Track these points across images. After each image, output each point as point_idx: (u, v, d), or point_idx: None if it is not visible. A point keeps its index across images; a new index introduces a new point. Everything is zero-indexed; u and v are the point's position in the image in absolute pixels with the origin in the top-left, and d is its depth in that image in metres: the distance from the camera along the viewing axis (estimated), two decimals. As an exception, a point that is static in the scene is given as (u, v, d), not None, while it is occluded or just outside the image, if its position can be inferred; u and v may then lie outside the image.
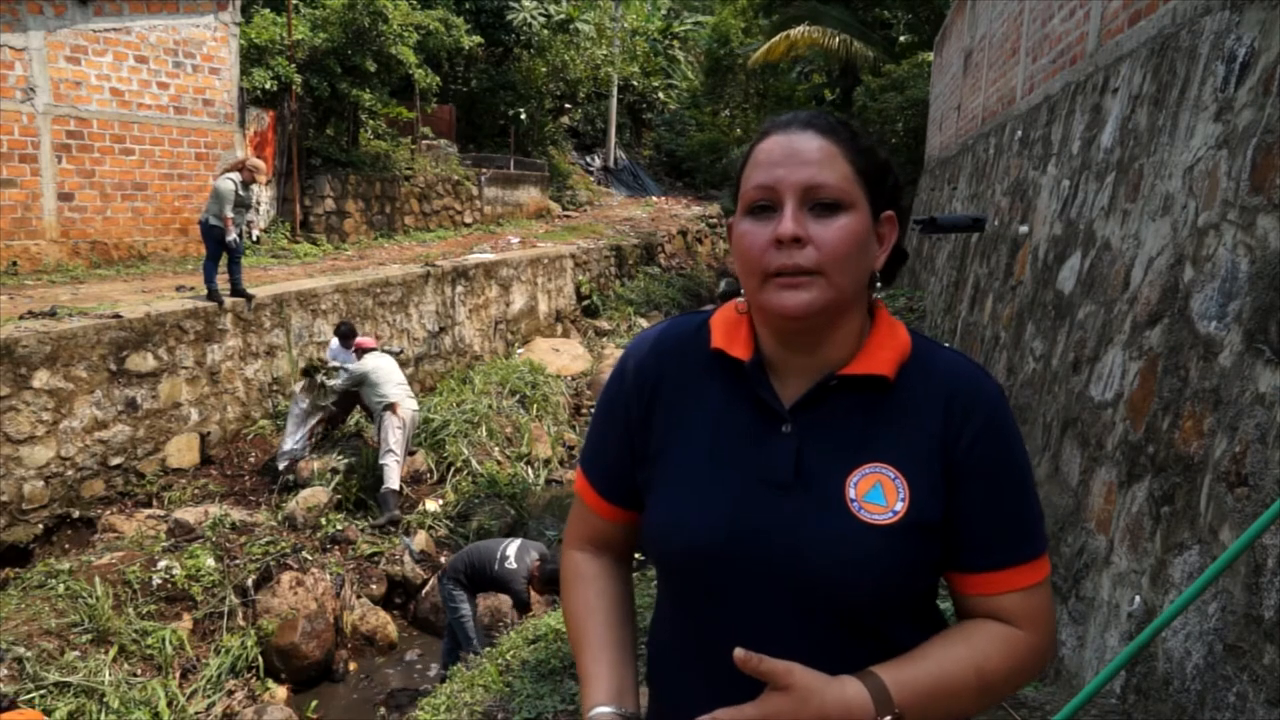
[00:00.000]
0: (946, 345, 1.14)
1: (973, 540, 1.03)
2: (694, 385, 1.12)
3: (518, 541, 6.08)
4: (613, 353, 14.16)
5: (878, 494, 1.01)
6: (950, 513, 1.02)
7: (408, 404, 8.18)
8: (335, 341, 8.86)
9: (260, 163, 8.44)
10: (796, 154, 1.01)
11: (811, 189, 1.00)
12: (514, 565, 5.76)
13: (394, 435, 7.95)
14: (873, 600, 1.01)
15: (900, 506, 1.01)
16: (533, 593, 5.91)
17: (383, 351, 8.71)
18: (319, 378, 8.45)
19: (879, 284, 1.09)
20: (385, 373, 8.11)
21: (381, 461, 7.92)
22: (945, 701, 0.98)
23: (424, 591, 7.34)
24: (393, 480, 7.90)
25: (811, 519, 1.01)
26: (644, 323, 15.67)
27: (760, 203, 1.02)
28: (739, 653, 0.92)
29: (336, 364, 8.53)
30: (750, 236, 1.02)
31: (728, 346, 1.09)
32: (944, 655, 1.00)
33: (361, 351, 8.30)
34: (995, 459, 1.03)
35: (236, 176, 8.00)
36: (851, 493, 1.02)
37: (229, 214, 7.91)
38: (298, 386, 8.53)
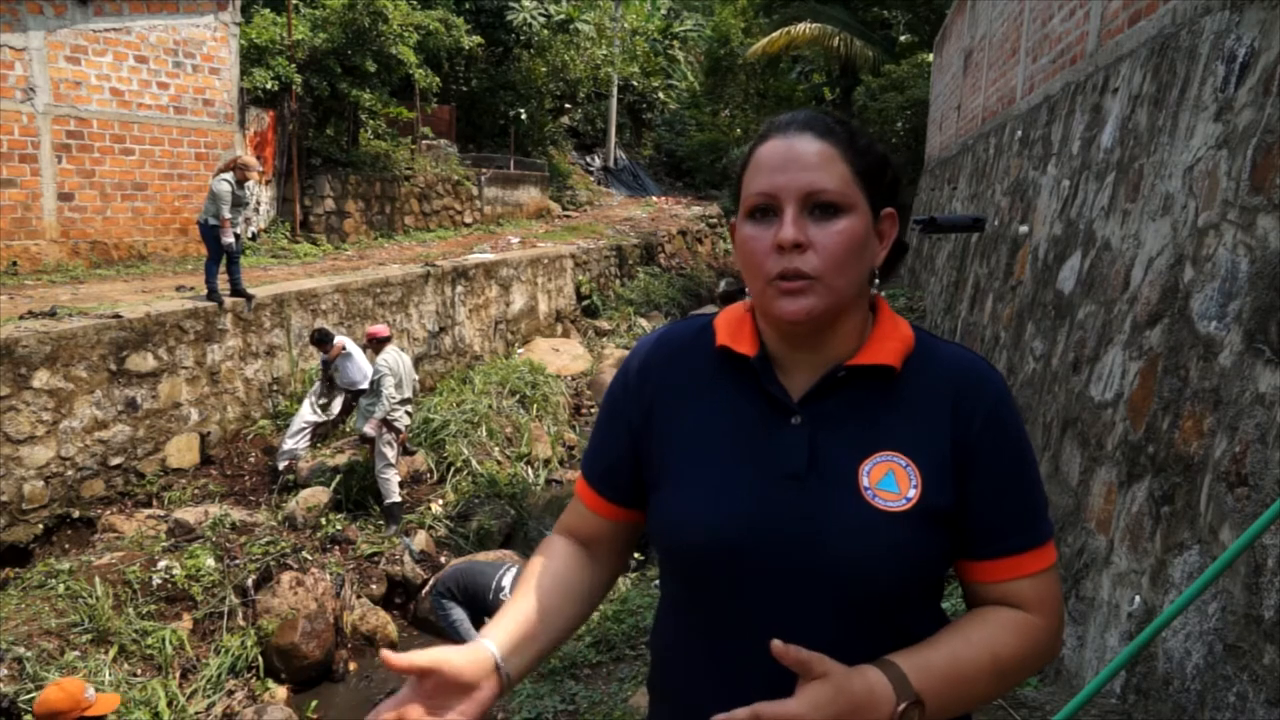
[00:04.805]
0: (948, 340, 1.15)
1: (983, 528, 1.04)
2: (699, 384, 1.12)
3: (514, 569, 5.86)
4: (613, 353, 14.16)
5: (890, 481, 1.02)
6: (960, 502, 1.04)
7: (404, 421, 8.18)
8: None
9: (253, 160, 8.43)
10: (796, 159, 1.02)
11: (811, 194, 1.01)
12: (509, 597, 5.60)
13: (391, 451, 7.96)
14: (890, 587, 1.02)
15: (913, 493, 1.02)
16: None
17: None
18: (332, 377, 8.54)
19: (878, 281, 1.10)
20: (403, 379, 8.06)
21: (383, 476, 7.90)
22: (963, 687, 0.99)
23: (424, 591, 7.34)
24: (393, 494, 7.92)
25: (828, 508, 1.02)
26: (644, 323, 15.66)
27: (761, 207, 1.03)
28: (777, 644, 0.91)
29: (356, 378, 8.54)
30: (753, 241, 1.03)
31: (733, 343, 1.10)
32: (960, 641, 1.01)
33: (378, 342, 8.10)
34: (1002, 448, 1.05)
35: (231, 177, 7.99)
36: (865, 480, 1.02)
37: (226, 215, 7.91)
38: (310, 396, 8.56)
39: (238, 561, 6.58)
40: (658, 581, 1.34)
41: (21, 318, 7.00)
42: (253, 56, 12.43)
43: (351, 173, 14.02)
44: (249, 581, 6.44)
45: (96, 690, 4.02)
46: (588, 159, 26.46)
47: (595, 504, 1.21)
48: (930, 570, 1.05)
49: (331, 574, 6.92)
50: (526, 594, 1.14)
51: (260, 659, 6.15)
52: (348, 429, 8.87)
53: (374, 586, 7.26)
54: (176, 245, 11.24)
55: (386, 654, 0.97)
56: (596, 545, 1.22)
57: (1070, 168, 4.40)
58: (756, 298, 1.06)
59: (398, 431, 8.08)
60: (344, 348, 8.51)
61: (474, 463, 9.11)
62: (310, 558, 6.87)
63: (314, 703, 6.14)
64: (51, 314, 7.20)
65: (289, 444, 8.28)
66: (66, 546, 6.81)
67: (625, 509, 1.19)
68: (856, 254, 1.02)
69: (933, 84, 13.97)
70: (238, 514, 7.34)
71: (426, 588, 7.34)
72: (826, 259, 1.00)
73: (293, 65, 12.72)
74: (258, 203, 12.50)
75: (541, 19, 19.26)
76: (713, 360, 1.12)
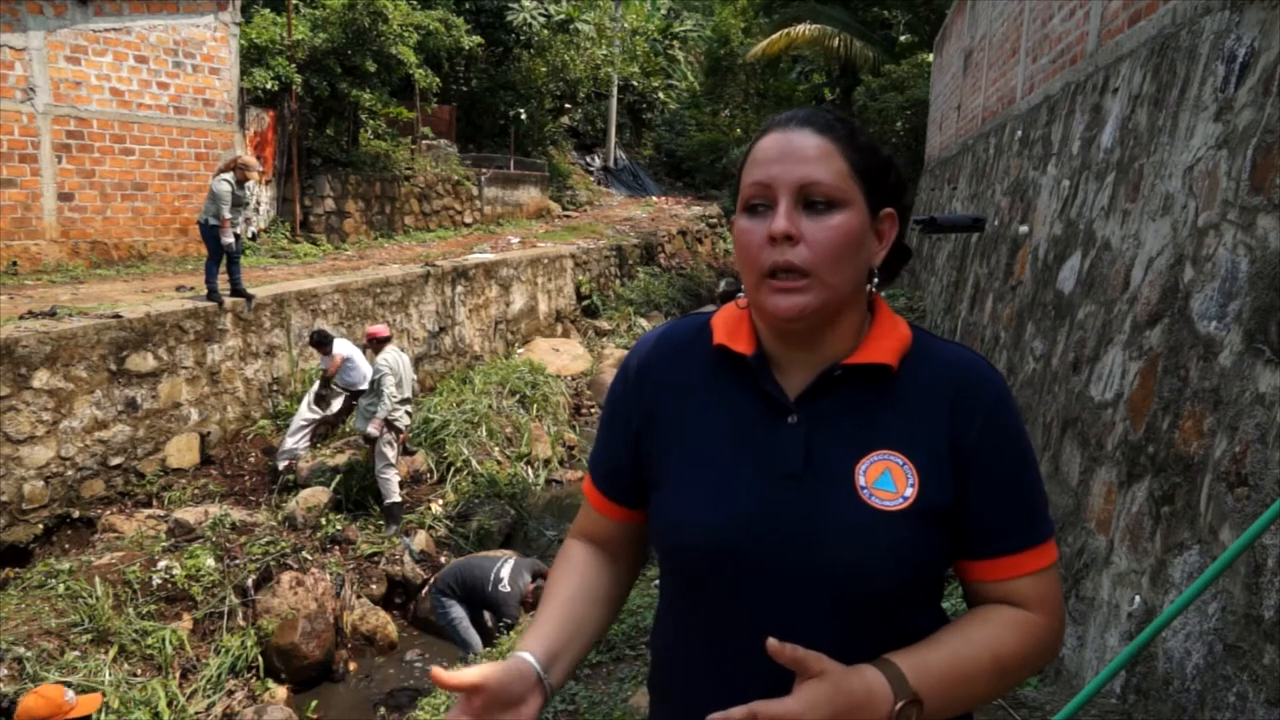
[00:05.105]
0: (948, 340, 1.14)
1: (983, 527, 1.04)
2: (698, 383, 1.12)
3: (511, 562, 5.91)
4: (613, 353, 14.16)
5: (887, 480, 1.02)
6: (960, 501, 1.03)
7: (405, 421, 8.17)
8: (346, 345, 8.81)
9: (252, 160, 8.44)
10: (792, 152, 1.02)
11: (805, 186, 1.01)
12: (508, 589, 5.64)
13: (391, 451, 7.95)
14: (889, 587, 1.01)
15: (910, 493, 1.01)
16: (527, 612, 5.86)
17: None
18: (332, 387, 8.53)
19: (876, 280, 1.10)
20: (403, 379, 8.05)
21: (384, 476, 7.89)
22: (963, 686, 0.99)
23: (424, 591, 7.34)
24: (393, 494, 7.91)
25: (824, 507, 1.01)
26: (644, 323, 15.66)
27: (757, 200, 1.03)
28: (772, 642, 0.90)
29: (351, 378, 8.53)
30: (747, 234, 1.03)
31: (730, 342, 1.10)
32: (959, 641, 1.01)
33: (378, 342, 8.08)
34: (1002, 448, 1.04)
35: (231, 177, 8.00)
36: (861, 480, 1.02)
37: (226, 215, 7.92)
38: (309, 396, 8.58)
39: (238, 561, 6.58)
40: (658, 581, 1.32)
41: (21, 318, 7.00)
42: (253, 56, 12.43)
43: (351, 173, 14.02)
44: (249, 581, 6.44)
45: (78, 691, 4.01)
46: (588, 159, 26.46)
47: (603, 506, 1.21)
48: (929, 570, 1.04)
49: (331, 574, 6.92)
50: (556, 603, 1.14)
51: (260, 659, 6.15)
52: (347, 429, 8.88)
53: (374, 586, 7.26)
54: (176, 245, 11.24)
55: (436, 672, 0.97)
56: (611, 546, 1.22)
57: (1070, 168, 4.40)
58: (751, 293, 1.06)
59: (398, 431, 8.08)
60: (343, 359, 8.49)
61: (474, 463, 9.11)
62: (310, 558, 6.87)
63: (314, 703, 6.14)
64: (51, 314, 7.20)
65: (289, 443, 8.28)
66: (66, 546, 6.81)
67: (632, 509, 1.19)
68: (851, 250, 1.02)
69: (933, 84, 13.97)
70: (238, 514, 7.34)
71: (426, 587, 7.34)
72: (818, 253, 1.00)
73: (293, 65, 12.72)
74: (258, 203, 12.50)
75: (541, 19, 19.26)
76: (711, 359, 1.12)
